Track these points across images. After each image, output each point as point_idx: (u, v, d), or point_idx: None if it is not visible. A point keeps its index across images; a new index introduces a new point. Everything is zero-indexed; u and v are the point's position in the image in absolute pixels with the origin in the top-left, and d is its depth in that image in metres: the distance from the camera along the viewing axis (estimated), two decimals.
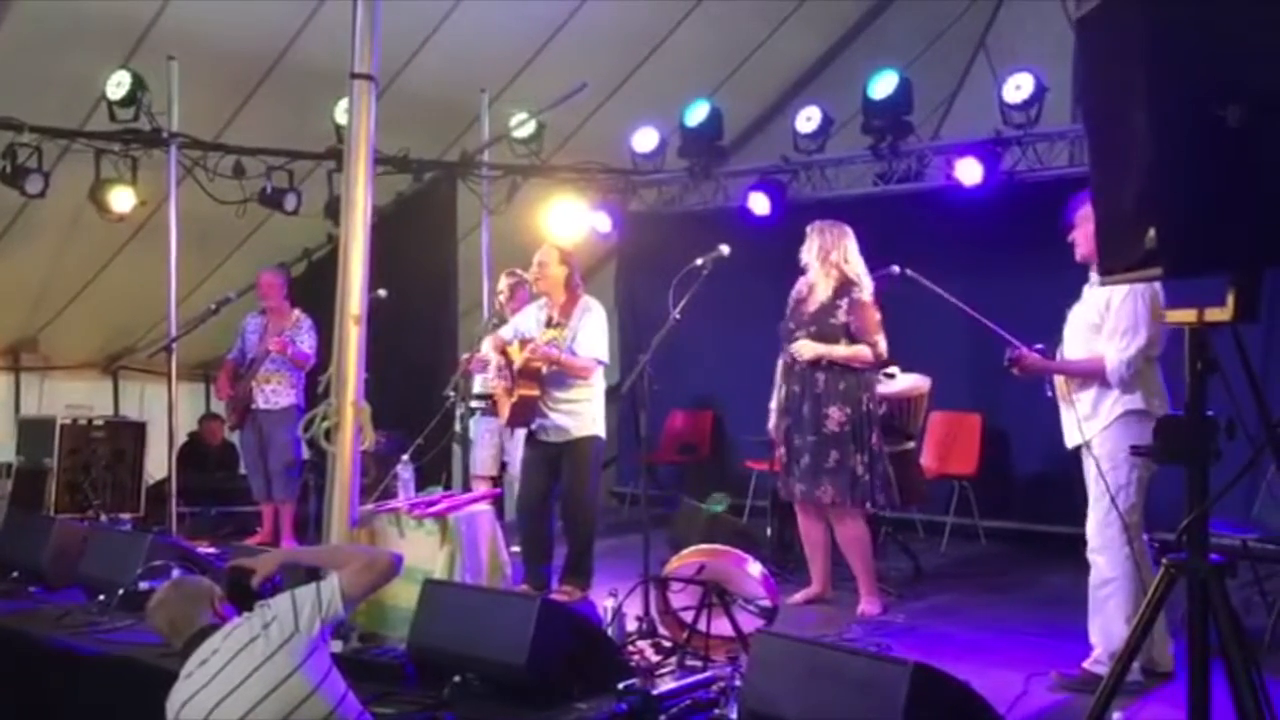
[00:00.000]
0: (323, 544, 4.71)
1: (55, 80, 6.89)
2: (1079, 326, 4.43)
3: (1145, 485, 4.27)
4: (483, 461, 6.98)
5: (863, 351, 5.46)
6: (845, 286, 5.50)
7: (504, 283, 7.09)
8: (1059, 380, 4.45)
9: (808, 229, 5.67)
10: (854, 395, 5.47)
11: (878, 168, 7.89)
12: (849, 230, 5.63)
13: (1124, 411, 4.25)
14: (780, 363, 5.72)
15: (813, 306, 5.57)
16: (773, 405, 5.78)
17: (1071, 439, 4.44)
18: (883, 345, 5.50)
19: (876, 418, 5.58)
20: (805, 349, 5.46)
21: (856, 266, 5.56)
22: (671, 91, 8.33)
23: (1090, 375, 4.31)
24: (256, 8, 6.94)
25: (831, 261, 5.53)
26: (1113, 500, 4.15)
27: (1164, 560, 2.56)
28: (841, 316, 5.47)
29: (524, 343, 5.73)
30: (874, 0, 9.24)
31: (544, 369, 5.64)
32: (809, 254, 5.61)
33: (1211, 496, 2.47)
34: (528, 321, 5.89)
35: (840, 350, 5.45)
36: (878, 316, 5.52)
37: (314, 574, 3.86)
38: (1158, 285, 4.17)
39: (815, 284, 5.60)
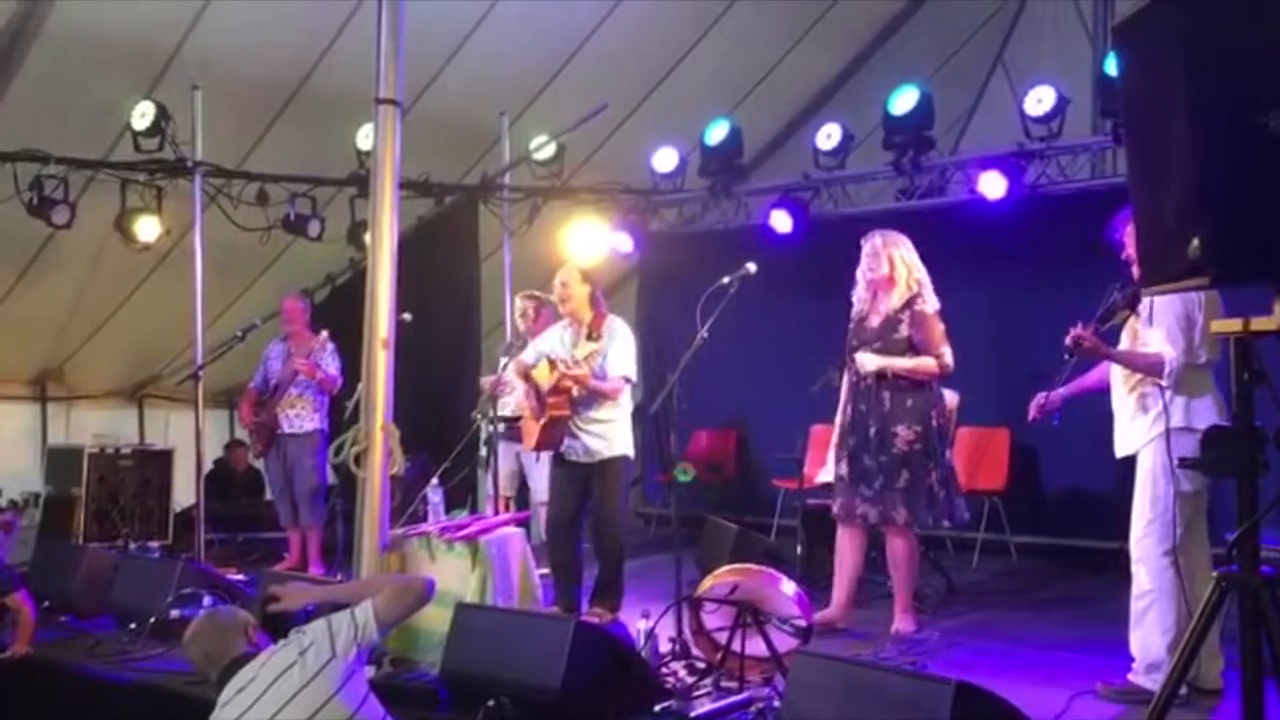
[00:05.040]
0: (354, 568, 4.70)
1: (80, 111, 6.97)
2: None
3: (1194, 500, 4.16)
4: (500, 481, 6.94)
5: (926, 363, 5.28)
6: (911, 299, 5.36)
7: (521, 304, 7.03)
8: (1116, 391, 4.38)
9: (870, 239, 5.46)
10: (922, 412, 5.32)
11: (899, 183, 7.88)
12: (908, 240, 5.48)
13: (1166, 428, 4.12)
14: (845, 381, 5.58)
15: (876, 321, 5.43)
16: (837, 423, 5.62)
17: (1121, 449, 4.37)
18: (949, 357, 5.32)
19: (948, 433, 5.44)
20: (868, 361, 5.31)
21: (924, 278, 5.41)
22: (691, 110, 8.35)
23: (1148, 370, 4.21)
24: (278, 36, 7.02)
25: (915, 278, 5.37)
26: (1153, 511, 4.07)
27: (1214, 574, 2.52)
28: (904, 330, 5.33)
29: (552, 363, 5.69)
30: (891, 16, 9.27)
31: (575, 391, 5.61)
32: (886, 267, 5.36)
33: (1263, 508, 2.43)
34: (551, 343, 5.85)
35: (903, 362, 5.28)
36: (942, 328, 5.35)
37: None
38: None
39: (880, 298, 5.44)
